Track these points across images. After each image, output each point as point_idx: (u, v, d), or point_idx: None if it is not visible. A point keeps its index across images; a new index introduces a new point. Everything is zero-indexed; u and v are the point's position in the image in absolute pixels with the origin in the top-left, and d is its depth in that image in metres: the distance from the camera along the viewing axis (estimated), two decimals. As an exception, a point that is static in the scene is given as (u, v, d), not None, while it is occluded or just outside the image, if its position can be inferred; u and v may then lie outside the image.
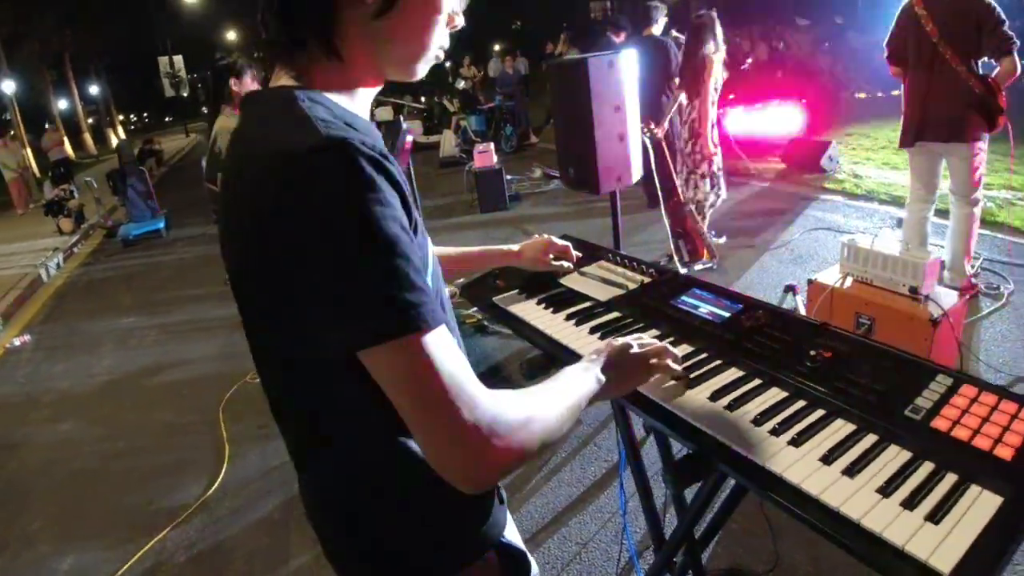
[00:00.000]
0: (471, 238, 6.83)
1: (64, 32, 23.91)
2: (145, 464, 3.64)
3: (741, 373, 1.21)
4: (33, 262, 8.55)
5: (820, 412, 1.08)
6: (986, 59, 3.65)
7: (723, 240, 5.52)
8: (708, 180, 5.12)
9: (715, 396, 1.15)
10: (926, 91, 3.80)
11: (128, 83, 43.14)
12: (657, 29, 6.11)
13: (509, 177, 8.22)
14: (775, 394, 1.15)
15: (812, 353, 1.20)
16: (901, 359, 1.16)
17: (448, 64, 17.97)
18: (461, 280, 1.96)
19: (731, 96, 8.36)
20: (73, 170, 15.08)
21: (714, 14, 4.96)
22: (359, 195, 0.73)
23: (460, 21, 0.95)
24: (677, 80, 5.50)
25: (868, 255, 3.14)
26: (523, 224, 7.22)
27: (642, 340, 1.13)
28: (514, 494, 2.88)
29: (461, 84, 14.02)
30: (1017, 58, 3.52)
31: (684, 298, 1.49)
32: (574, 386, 0.97)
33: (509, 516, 1.08)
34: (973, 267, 4.16)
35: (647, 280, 1.62)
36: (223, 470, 3.41)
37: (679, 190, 5.10)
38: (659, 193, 4.83)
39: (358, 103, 0.92)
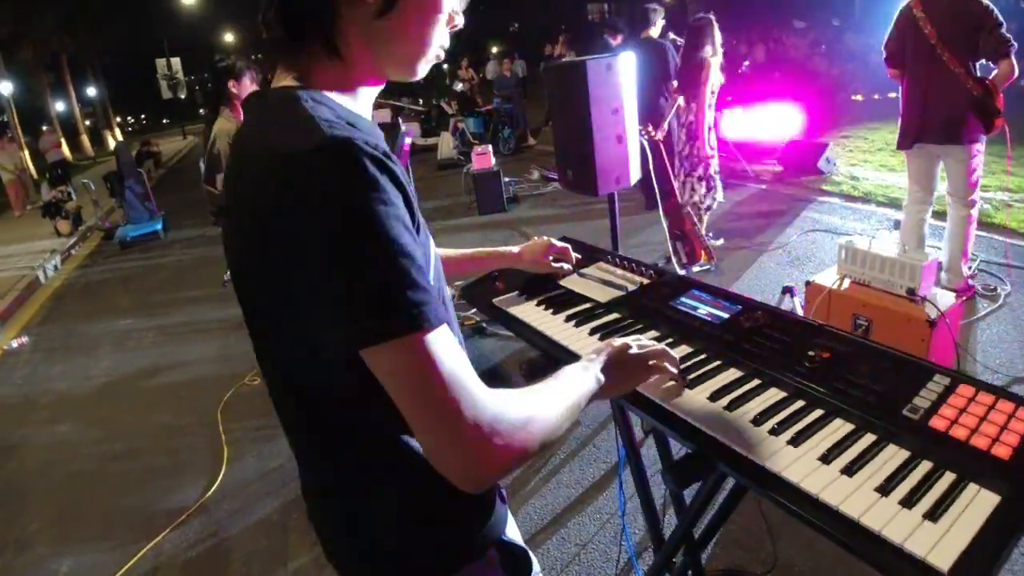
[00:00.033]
0: (469, 240, 6.84)
1: (62, 34, 23.87)
2: (143, 466, 3.64)
3: (740, 373, 1.22)
4: (31, 264, 8.55)
5: (819, 412, 1.09)
6: (983, 61, 3.67)
7: (721, 242, 5.54)
8: (705, 183, 5.14)
9: (715, 396, 1.16)
10: (924, 93, 3.81)
11: (125, 85, 43.16)
12: (655, 32, 6.12)
13: (507, 179, 8.23)
14: (774, 394, 1.15)
15: (811, 353, 1.20)
16: (899, 359, 1.16)
17: (446, 66, 18.00)
18: (459, 282, 1.97)
19: (729, 99, 8.37)
20: (71, 172, 15.06)
21: (712, 17, 4.98)
22: (362, 195, 0.73)
23: (460, 20, 0.95)
24: (675, 83, 5.51)
25: (866, 257, 3.15)
26: (521, 226, 7.23)
27: (641, 341, 1.14)
28: (513, 496, 2.89)
29: (459, 86, 14.02)
30: (1015, 60, 3.54)
31: (683, 299, 1.49)
32: (574, 386, 0.97)
33: (510, 514, 1.08)
34: (970, 269, 4.18)
35: (646, 281, 1.62)
36: (221, 472, 3.41)
37: (677, 192, 5.11)
38: (657, 195, 4.84)
39: (360, 103, 0.93)
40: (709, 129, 5.01)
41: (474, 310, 4.21)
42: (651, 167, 3.96)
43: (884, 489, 0.90)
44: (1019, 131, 4.10)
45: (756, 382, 1.19)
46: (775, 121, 8.51)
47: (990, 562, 0.79)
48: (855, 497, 0.90)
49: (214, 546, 2.91)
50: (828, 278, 3.36)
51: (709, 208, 5.26)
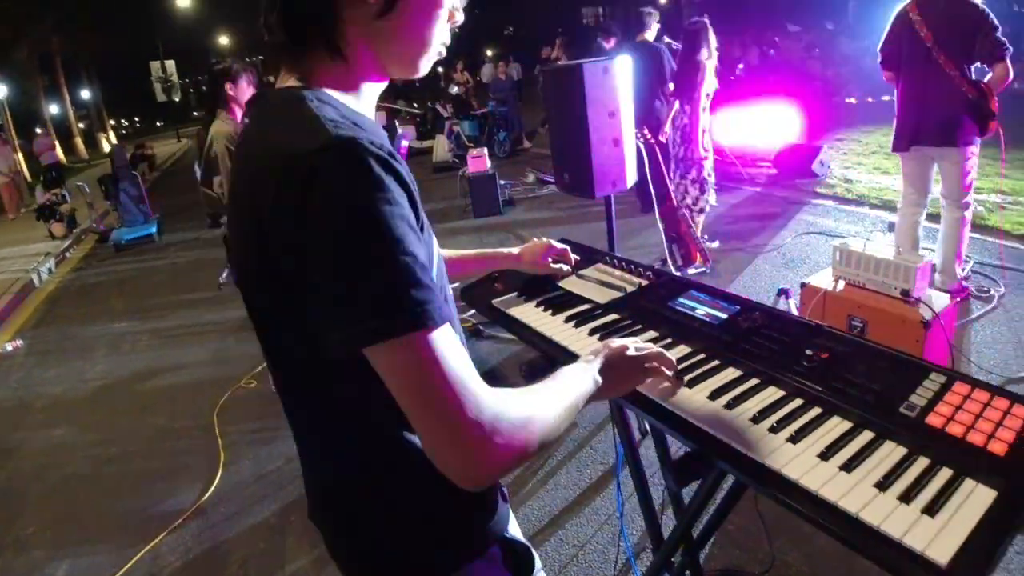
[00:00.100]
0: (465, 243, 6.85)
1: (58, 36, 23.80)
2: (139, 469, 3.63)
3: (739, 373, 1.23)
4: (25, 267, 8.51)
5: (817, 410, 1.10)
6: (978, 64, 3.70)
7: (716, 244, 5.56)
8: (698, 185, 5.16)
9: (714, 395, 1.17)
10: (919, 96, 3.84)
11: (120, 87, 43.03)
12: (650, 35, 6.15)
13: (502, 182, 8.24)
14: (773, 393, 1.16)
15: (809, 353, 1.22)
16: (895, 358, 1.18)
17: (441, 69, 18.01)
18: (456, 284, 1.97)
19: (723, 102, 8.40)
20: (65, 175, 15.01)
21: (706, 21, 5.01)
22: (368, 194, 0.74)
23: (460, 17, 0.96)
24: (672, 86, 5.54)
25: (860, 258, 3.17)
26: (517, 229, 7.24)
27: (638, 343, 1.15)
28: (511, 497, 2.89)
29: (454, 89, 14.03)
30: (1009, 64, 3.57)
31: (682, 300, 1.50)
32: (572, 387, 0.98)
33: (511, 512, 1.09)
34: (964, 270, 4.20)
35: (645, 283, 1.64)
36: (218, 475, 3.40)
37: (672, 195, 5.13)
38: (653, 198, 4.85)
39: (363, 102, 0.93)
40: (703, 132, 5.04)
41: (471, 312, 4.22)
42: (647, 170, 3.98)
43: (882, 485, 0.92)
44: (1013, 134, 4.13)
45: (755, 381, 1.20)
46: (769, 124, 8.56)
47: (988, 556, 0.80)
48: (854, 493, 0.91)
49: (211, 549, 2.91)
50: (823, 280, 3.38)
51: (702, 210, 5.29)
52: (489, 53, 25.55)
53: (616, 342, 1.12)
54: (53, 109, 27.19)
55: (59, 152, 17.05)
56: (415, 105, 14.97)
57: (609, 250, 3.15)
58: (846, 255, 3.23)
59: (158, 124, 53.90)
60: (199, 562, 2.85)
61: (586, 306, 1.58)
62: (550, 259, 1.68)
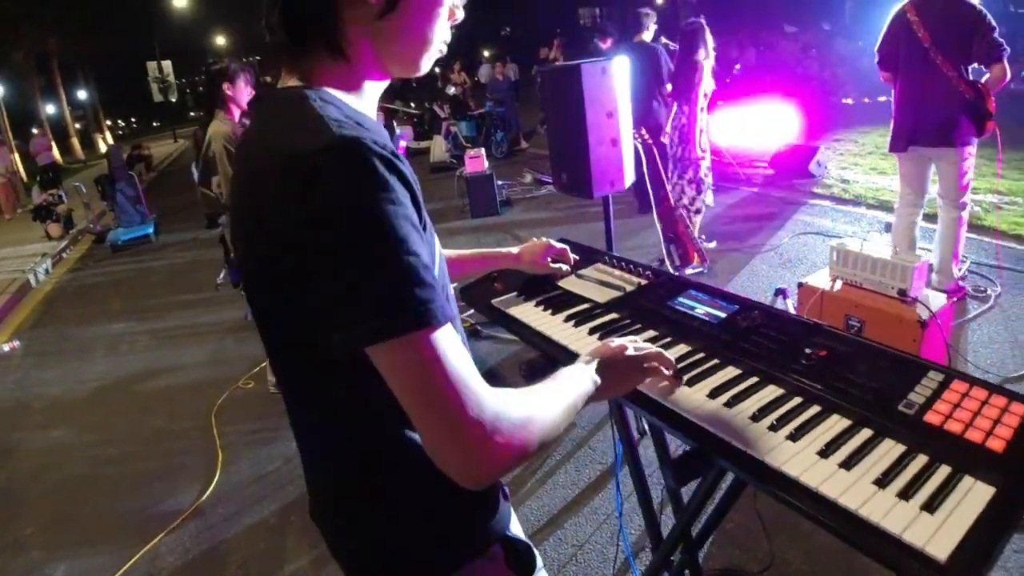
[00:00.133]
0: (462, 243, 6.85)
1: (54, 38, 23.75)
2: (138, 470, 3.62)
3: (738, 371, 1.24)
4: (21, 267, 8.50)
5: (816, 408, 1.11)
6: (976, 65, 3.71)
7: (713, 244, 5.57)
8: (695, 185, 5.17)
9: (714, 394, 1.17)
10: (917, 96, 3.85)
11: (116, 88, 42.95)
12: (648, 36, 6.16)
13: (500, 182, 8.25)
14: (772, 391, 1.17)
15: (807, 352, 1.22)
16: (894, 357, 1.19)
17: (438, 70, 18.02)
18: (456, 283, 1.98)
19: (720, 102, 8.42)
20: (61, 175, 14.98)
21: (703, 21, 5.02)
22: (372, 194, 0.74)
23: (461, 14, 0.96)
24: (670, 87, 5.55)
25: (857, 258, 3.18)
26: (514, 229, 7.24)
27: (638, 343, 1.15)
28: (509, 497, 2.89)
29: (451, 90, 14.03)
30: (1007, 64, 3.58)
31: (681, 299, 1.51)
32: (571, 387, 0.99)
33: (513, 511, 1.09)
34: (961, 270, 4.22)
35: (644, 282, 1.64)
36: (216, 475, 3.40)
37: (669, 195, 5.14)
38: (651, 198, 4.86)
39: (365, 102, 0.94)
40: (701, 132, 5.05)
41: (470, 312, 4.22)
42: (645, 170, 3.99)
43: (882, 482, 0.92)
44: (1010, 134, 4.15)
45: (754, 380, 1.21)
46: (766, 125, 8.58)
47: (986, 552, 0.81)
48: (854, 490, 0.92)
49: (210, 550, 2.91)
50: (820, 280, 3.39)
51: (699, 211, 5.30)
52: (486, 54, 25.56)
53: (615, 342, 1.13)
54: (50, 109, 27.14)
55: (55, 152, 16.99)
56: (412, 105, 14.98)
57: (608, 250, 3.17)
58: (843, 255, 3.24)
59: (155, 124, 53.81)
60: (198, 562, 2.84)
61: (586, 305, 1.58)
62: (549, 259, 1.69)
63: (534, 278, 1.72)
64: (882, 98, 10.22)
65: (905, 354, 1.19)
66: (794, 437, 1.04)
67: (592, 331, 1.46)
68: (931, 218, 4.39)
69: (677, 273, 4.82)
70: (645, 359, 1.13)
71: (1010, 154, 6.31)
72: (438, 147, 11.63)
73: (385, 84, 0.97)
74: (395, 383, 0.78)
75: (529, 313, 1.60)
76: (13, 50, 22.20)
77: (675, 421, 1.14)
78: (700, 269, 5.01)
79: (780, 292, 3.90)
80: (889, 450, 0.99)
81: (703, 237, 5.44)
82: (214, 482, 3.35)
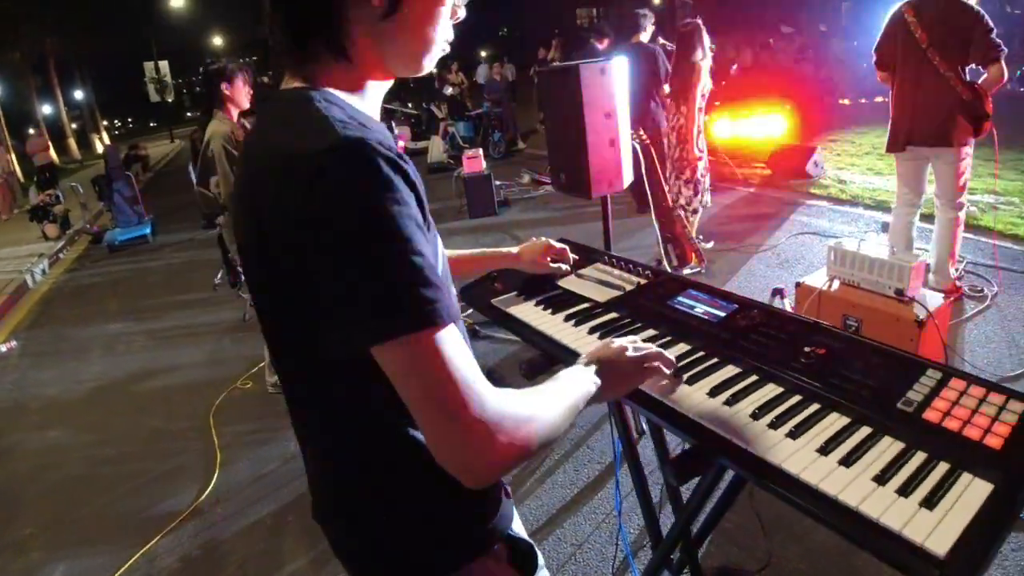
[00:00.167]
0: (460, 244, 6.85)
1: (51, 38, 23.69)
2: (136, 471, 3.61)
3: (738, 370, 1.24)
4: (18, 268, 8.47)
5: (816, 406, 1.11)
6: (973, 65, 3.73)
7: (711, 245, 5.58)
8: (692, 185, 5.18)
9: (714, 392, 1.18)
10: (914, 97, 3.87)
11: (113, 88, 42.89)
12: (645, 36, 6.17)
13: (497, 183, 8.25)
14: (772, 390, 1.18)
15: (806, 350, 1.23)
16: (892, 355, 1.20)
17: (435, 70, 18.01)
18: (456, 283, 1.99)
19: (717, 103, 8.44)
20: (58, 175, 14.95)
21: (699, 22, 5.03)
22: (377, 194, 0.75)
23: (462, 13, 0.96)
24: (667, 87, 5.55)
25: (855, 258, 3.19)
26: (512, 230, 7.25)
27: (637, 344, 1.15)
28: (508, 496, 2.90)
29: (449, 90, 14.04)
30: (1004, 65, 3.60)
31: (680, 299, 1.52)
32: (572, 388, 0.99)
33: (515, 509, 1.10)
34: (957, 270, 4.23)
35: (643, 282, 1.65)
36: (215, 476, 3.40)
37: (667, 195, 5.15)
38: (649, 199, 4.87)
39: (369, 102, 0.94)
40: (699, 132, 5.06)
41: (468, 312, 4.24)
42: (643, 170, 4.00)
43: (881, 479, 0.93)
44: (1007, 135, 4.16)
45: (754, 378, 1.21)
46: (763, 125, 8.60)
47: (985, 547, 0.81)
48: (853, 487, 0.92)
49: (209, 550, 2.90)
50: (818, 280, 3.40)
51: (696, 211, 5.31)
52: (484, 54, 25.54)
53: (615, 344, 1.13)
54: (46, 109, 27.07)
55: (52, 153, 16.95)
56: (410, 106, 14.97)
57: (606, 250, 3.18)
58: (841, 255, 3.25)
59: (151, 125, 53.65)
60: (197, 563, 2.84)
61: (585, 305, 1.59)
62: (549, 258, 1.69)
63: (534, 278, 1.73)
64: (879, 99, 10.26)
65: (903, 352, 1.20)
66: (794, 435, 1.04)
67: (592, 330, 1.47)
68: (928, 218, 4.41)
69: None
70: (646, 359, 1.13)
71: (1007, 155, 6.34)
72: (435, 147, 11.64)
73: (388, 84, 0.97)
74: (399, 382, 0.78)
75: (529, 312, 1.60)
76: (11, 50, 22.14)
77: (675, 419, 1.15)
78: (698, 269, 5.02)
79: (777, 292, 3.91)
80: (888, 447, 1.00)
81: (700, 237, 5.45)
82: (212, 482, 3.35)
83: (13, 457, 4.00)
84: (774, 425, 1.07)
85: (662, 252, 4.94)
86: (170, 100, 26.30)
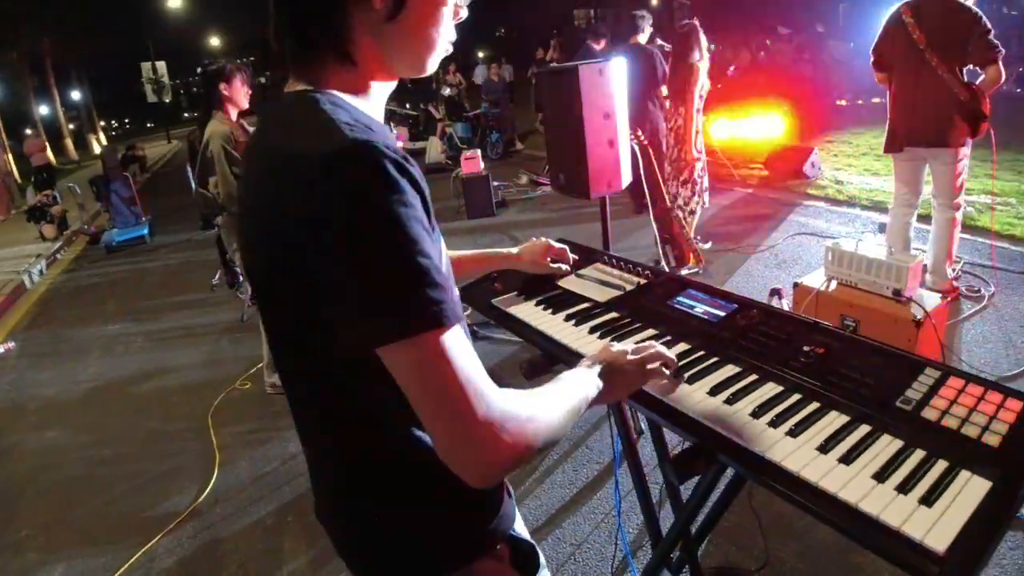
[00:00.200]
0: (458, 244, 6.84)
1: (48, 38, 23.65)
2: (134, 471, 3.61)
3: (738, 369, 1.25)
4: (16, 268, 8.46)
5: (815, 405, 1.12)
6: (971, 66, 3.74)
7: (709, 245, 5.59)
8: (690, 186, 5.20)
9: (714, 391, 1.19)
10: (912, 97, 3.88)
11: (110, 89, 42.83)
12: (643, 38, 6.18)
13: (495, 183, 8.26)
14: (771, 388, 1.19)
15: (806, 349, 1.24)
16: (890, 354, 1.21)
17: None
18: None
19: (715, 104, 8.45)
20: (56, 176, 14.93)
21: (696, 23, 5.04)
22: (385, 197, 0.75)
23: (464, 13, 0.97)
24: (664, 88, 5.57)
25: (852, 259, 3.20)
26: (510, 230, 7.25)
27: (637, 345, 1.16)
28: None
29: (447, 91, 14.04)
30: (1001, 66, 3.61)
31: (680, 298, 1.53)
32: (574, 390, 1.00)
33: (517, 510, 1.10)
34: (954, 270, 4.25)
35: (643, 282, 1.66)
36: (214, 477, 3.40)
37: (665, 196, 5.16)
38: (648, 199, 4.88)
39: (373, 104, 0.94)
40: (697, 133, 5.07)
41: (467, 312, 4.25)
42: (641, 171, 4.01)
43: (880, 476, 0.94)
44: (1003, 135, 4.18)
45: (753, 377, 1.22)
46: (761, 126, 8.62)
47: (984, 544, 0.82)
48: (853, 484, 0.93)
49: (209, 551, 2.90)
50: (815, 280, 3.41)
51: (693, 212, 5.32)
52: (481, 55, 25.54)
53: (616, 347, 1.14)
54: (43, 110, 27.01)
55: (49, 153, 16.93)
56: (407, 106, 14.98)
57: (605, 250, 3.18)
58: (838, 255, 3.27)
59: (148, 125, 53.60)
60: (196, 564, 2.84)
61: (586, 305, 1.60)
62: (549, 259, 1.70)
63: (533, 278, 1.73)
64: (876, 99, 10.27)
65: (902, 351, 1.21)
66: (794, 433, 1.05)
67: (593, 330, 1.47)
68: (925, 219, 4.42)
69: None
70: (649, 359, 1.14)
71: (1003, 155, 6.36)
72: (433, 148, 11.64)
73: (393, 85, 0.98)
74: (405, 382, 0.78)
75: (530, 312, 1.61)
76: (9, 50, 22.09)
77: (676, 418, 1.15)
78: (696, 270, 5.03)
79: (775, 292, 3.92)
80: (887, 445, 1.01)
81: (698, 238, 5.46)
82: (211, 483, 3.35)
83: (11, 458, 3.99)
84: (774, 424, 1.08)
85: (660, 253, 4.95)
86: (167, 101, 26.28)
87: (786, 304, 3.79)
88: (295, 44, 0.89)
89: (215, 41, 38.99)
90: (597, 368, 1.07)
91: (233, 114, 3.68)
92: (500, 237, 7.04)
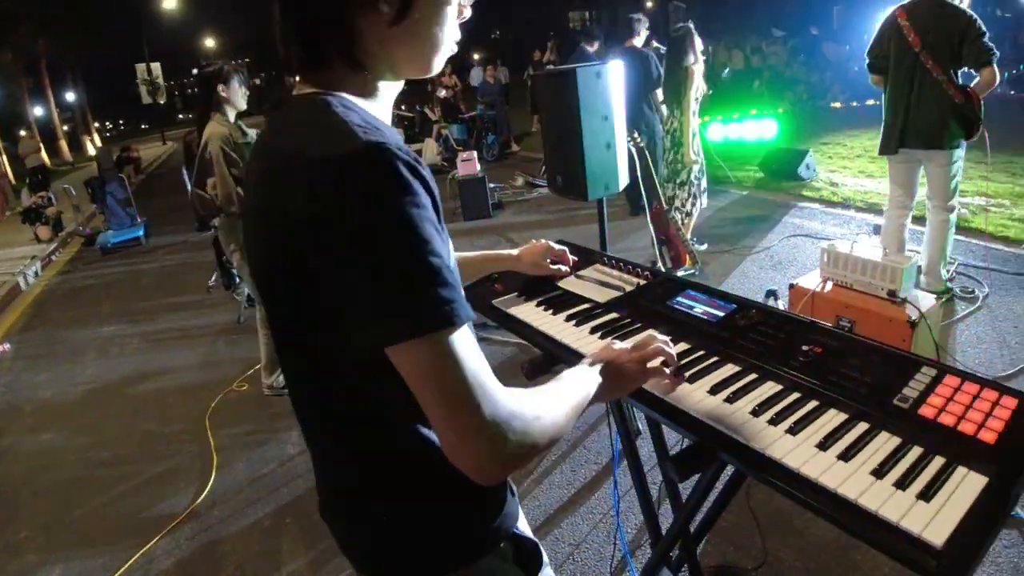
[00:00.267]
0: (456, 246, 6.78)
1: (43, 39, 23.58)
2: (132, 473, 3.60)
3: (738, 368, 1.27)
4: (11, 270, 8.42)
5: (814, 403, 1.14)
6: (965, 69, 3.77)
7: (705, 247, 5.62)
8: (687, 188, 5.22)
9: (714, 390, 1.20)
10: (907, 99, 3.91)
11: (105, 90, 42.71)
12: (639, 41, 6.21)
13: (491, 185, 8.26)
14: (771, 387, 1.20)
15: (804, 348, 1.26)
16: (888, 353, 1.22)
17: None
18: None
19: (710, 107, 8.49)
20: (50, 177, 14.88)
21: (691, 26, 5.06)
22: (398, 198, 0.76)
23: (468, 13, 0.98)
24: (660, 92, 5.59)
25: (848, 260, 3.23)
26: (507, 232, 7.27)
27: (638, 337, 1.17)
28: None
29: (442, 93, 14.04)
30: (996, 68, 3.64)
31: (679, 299, 1.54)
32: (577, 388, 1.01)
33: (520, 508, 1.11)
34: (949, 272, 4.28)
35: (642, 282, 1.67)
36: (211, 478, 3.40)
37: (662, 198, 5.18)
38: (643, 201, 4.90)
39: (381, 106, 0.95)
40: (694, 135, 5.09)
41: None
42: (638, 173, 4.02)
43: (879, 473, 0.96)
44: (998, 137, 4.21)
45: (753, 376, 1.24)
46: (756, 128, 8.66)
47: (980, 538, 0.84)
48: (852, 480, 0.95)
49: (207, 552, 2.90)
50: (811, 281, 3.43)
51: (690, 213, 5.34)
52: (477, 57, 25.56)
53: (617, 345, 1.15)
54: (37, 111, 26.91)
55: (44, 155, 16.86)
56: (403, 108, 14.99)
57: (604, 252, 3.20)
58: (834, 257, 3.29)
59: (143, 126, 53.45)
60: (194, 565, 2.84)
61: (586, 305, 1.61)
62: (549, 260, 1.71)
63: (534, 279, 1.75)
64: (870, 101, 10.34)
65: (899, 350, 1.22)
66: (793, 431, 1.07)
67: (593, 330, 1.49)
68: (920, 220, 4.45)
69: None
70: (652, 354, 1.15)
71: (998, 157, 6.40)
72: (429, 150, 11.64)
73: (400, 86, 0.98)
74: (414, 381, 0.79)
75: (530, 313, 1.62)
76: (5, 51, 22.01)
77: (677, 417, 1.17)
78: (692, 271, 5.05)
79: (771, 294, 3.95)
80: (885, 442, 1.02)
81: (694, 239, 5.49)
82: (209, 485, 3.35)
83: (8, 460, 3.99)
84: (774, 421, 1.10)
85: (657, 254, 4.97)
86: (162, 102, 26.19)
87: (782, 305, 3.82)
88: (302, 48, 0.90)
89: (210, 42, 38.96)
90: (598, 366, 1.08)
91: (231, 115, 3.68)
92: (496, 239, 7.05)
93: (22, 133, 19.13)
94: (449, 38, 0.95)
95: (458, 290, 0.80)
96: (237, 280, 5.60)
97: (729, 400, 1.17)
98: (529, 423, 0.83)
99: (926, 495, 0.90)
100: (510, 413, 0.81)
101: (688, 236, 5.21)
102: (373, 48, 0.90)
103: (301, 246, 0.81)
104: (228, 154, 3.50)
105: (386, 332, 0.77)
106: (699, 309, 1.48)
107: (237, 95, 3.68)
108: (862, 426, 1.07)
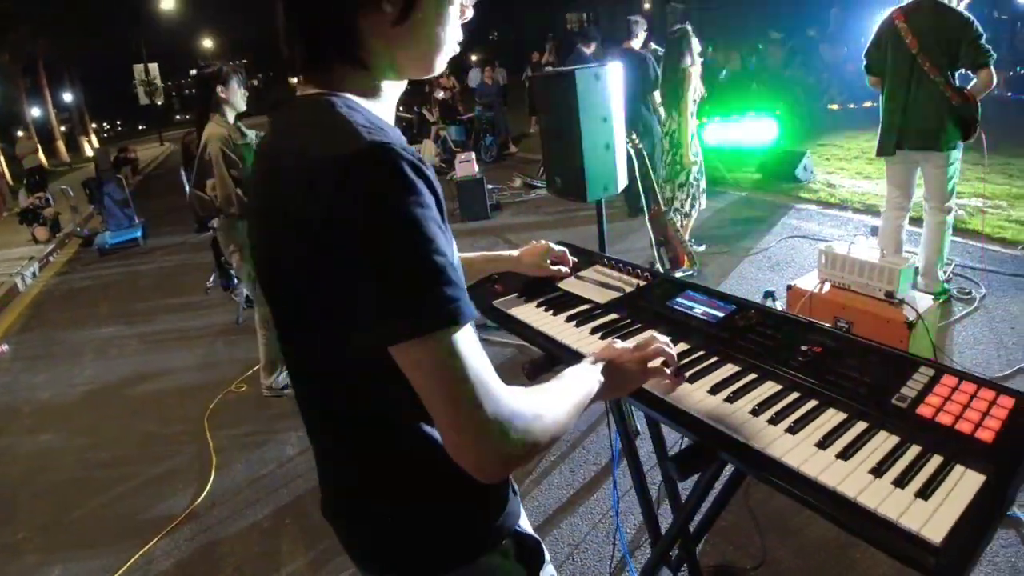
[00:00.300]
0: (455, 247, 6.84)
1: (41, 40, 23.54)
2: (131, 474, 3.60)
3: (737, 368, 1.28)
4: (8, 271, 8.41)
5: (813, 402, 1.15)
6: (962, 70, 3.79)
7: (703, 248, 5.63)
8: (686, 190, 5.23)
9: (714, 390, 1.21)
10: (904, 101, 3.92)
11: (102, 91, 42.63)
12: (637, 43, 6.23)
13: (490, 186, 8.27)
14: (770, 387, 1.21)
15: (803, 349, 1.27)
16: (886, 353, 1.23)
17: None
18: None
19: (707, 108, 8.50)
20: (48, 178, 14.84)
21: (688, 28, 5.08)
22: (402, 198, 0.77)
23: (470, 13, 0.99)
24: (658, 93, 5.61)
25: (845, 261, 3.24)
26: (505, 233, 7.27)
27: (639, 342, 1.18)
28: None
29: (440, 94, 14.06)
30: (993, 70, 3.66)
31: (679, 299, 1.55)
32: (578, 386, 1.02)
33: (522, 506, 1.12)
34: (946, 273, 4.29)
35: (642, 283, 1.68)
36: (210, 479, 3.40)
37: (660, 199, 5.20)
38: (643, 202, 4.92)
39: (384, 106, 0.96)
40: (692, 137, 5.10)
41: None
42: (636, 175, 4.04)
43: (878, 471, 0.97)
44: (995, 139, 4.22)
45: (753, 376, 1.25)
46: (753, 129, 8.67)
47: (978, 535, 0.85)
48: (851, 479, 0.96)
49: (206, 553, 2.91)
50: (809, 282, 3.45)
51: (688, 215, 5.35)
52: (475, 58, 25.57)
53: (618, 345, 1.16)
54: (35, 112, 26.86)
55: (41, 155, 16.82)
56: (401, 109, 15.00)
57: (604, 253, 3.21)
58: (831, 258, 3.30)
59: (140, 127, 53.37)
60: (193, 566, 2.84)
61: (586, 306, 1.62)
62: (549, 261, 1.72)
63: (534, 280, 1.76)
64: (867, 103, 10.36)
65: (897, 350, 1.23)
66: (793, 430, 1.08)
67: (594, 331, 1.50)
68: (917, 221, 4.46)
69: (668, 276, 4.86)
70: (653, 354, 1.16)
71: (994, 159, 6.40)
72: (427, 151, 11.64)
73: (403, 86, 0.99)
74: (417, 379, 0.80)
75: (531, 314, 1.63)
76: (3, 51, 21.97)
77: (677, 417, 1.18)
78: (690, 272, 5.06)
79: (769, 295, 3.96)
80: (884, 441, 1.03)
81: (692, 241, 5.50)
82: (208, 486, 3.35)
83: (5, 460, 3.98)
84: (774, 421, 1.11)
85: (655, 255, 4.98)
86: (159, 103, 26.19)
87: (780, 306, 3.83)
88: (305, 49, 0.91)
89: (207, 43, 38.94)
90: (600, 365, 1.09)
91: (230, 116, 3.68)
92: (495, 240, 7.06)
93: (19, 134, 19.07)
94: (451, 38, 0.96)
95: (462, 289, 0.80)
96: (236, 281, 5.60)
97: (729, 400, 1.18)
98: (531, 421, 0.84)
99: (924, 493, 0.91)
100: (512, 412, 0.82)
101: (686, 237, 5.23)
102: (376, 48, 0.91)
103: (305, 246, 0.81)
104: (227, 155, 3.50)
105: (390, 331, 0.78)
106: (699, 310, 1.49)
107: (236, 96, 3.69)
108: (861, 425, 1.08)
